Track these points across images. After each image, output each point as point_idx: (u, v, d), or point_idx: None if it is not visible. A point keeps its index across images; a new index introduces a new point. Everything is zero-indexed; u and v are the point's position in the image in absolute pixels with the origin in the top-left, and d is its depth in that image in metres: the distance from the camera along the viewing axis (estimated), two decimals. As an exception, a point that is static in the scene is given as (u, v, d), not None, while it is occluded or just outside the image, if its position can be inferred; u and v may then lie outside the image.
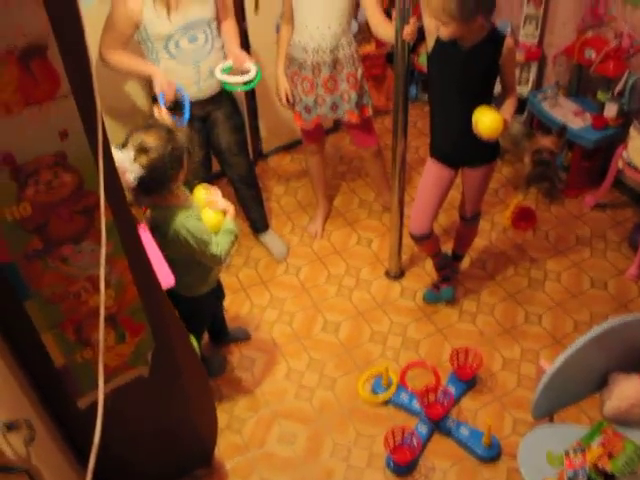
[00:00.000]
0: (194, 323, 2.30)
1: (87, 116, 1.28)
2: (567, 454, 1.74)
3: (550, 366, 1.80)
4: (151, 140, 1.98)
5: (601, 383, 1.91)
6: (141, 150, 1.97)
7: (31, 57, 1.18)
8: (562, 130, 3.36)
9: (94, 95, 1.25)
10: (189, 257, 2.17)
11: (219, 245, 2.18)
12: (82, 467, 1.85)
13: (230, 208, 2.25)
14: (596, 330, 1.80)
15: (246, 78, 2.69)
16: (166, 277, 1.84)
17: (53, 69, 1.22)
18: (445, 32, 2.27)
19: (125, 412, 1.82)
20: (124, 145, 1.99)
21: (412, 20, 2.40)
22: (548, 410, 1.91)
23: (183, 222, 2.08)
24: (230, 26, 2.82)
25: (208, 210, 2.22)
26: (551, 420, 1.96)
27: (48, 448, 1.62)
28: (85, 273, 1.54)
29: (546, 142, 3.39)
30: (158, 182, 2.02)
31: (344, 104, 2.98)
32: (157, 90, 2.60)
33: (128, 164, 1.94)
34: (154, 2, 2.52)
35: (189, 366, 1.98)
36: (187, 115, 2.61)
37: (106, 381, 1.74)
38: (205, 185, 2.29)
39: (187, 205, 2.15)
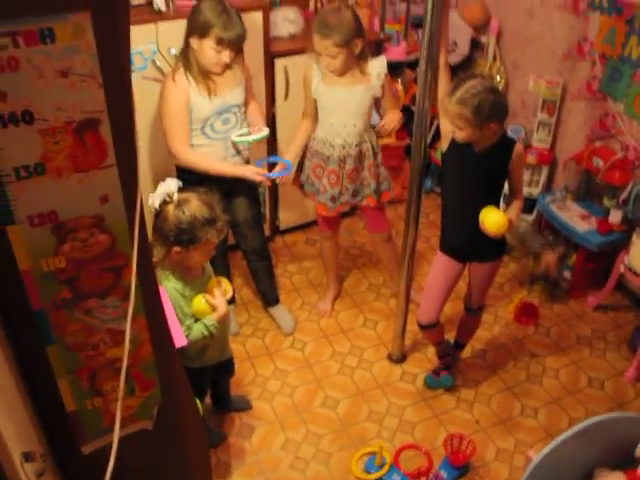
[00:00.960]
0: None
1: (127, 185, 1.43)
2: None
3: (536, 455, 1.87)
4: (194, 202, 2.14)
5: (587, 478, 1.97)
6: (181, 202, 2.13)
7: (85, 129, 1.34)
8: (566, 254, 3.59)
9: (136, 167, 1.40)
10: None
11: (190, 330, 2.23)
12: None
13: (221, 309, 2.26)
14: (582, 424, 1.88)
15: (256, 135, 2.93)
16: (179, 338, 1.95)
17: (103, 141, 1.38)
18: (460, 135, 2.43)
19: (124, 462, 1.90)
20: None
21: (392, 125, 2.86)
22: (532, 499, 1.96)
23: (166, 287, 2.17)
24: (255, 107, 3.05)
25: (203, 296, 2.25)
26: (535, 510, 2.01)
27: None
28: (106, 326, 1.66)
29: (549, 259, 3.56)
30: (170, 237, 2.14)
31: (364, 190, 3.14)
32: (257, 182, 2.94)
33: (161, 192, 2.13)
34: (198, 87, 2.74)
35: (191, 426, 2.06)
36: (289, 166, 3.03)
37: (111, 430, 1.83)
38: (220, 279, 2.37)
39: (185, 278, 2.24)
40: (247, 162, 3.03)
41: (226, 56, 2.68)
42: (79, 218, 1.44)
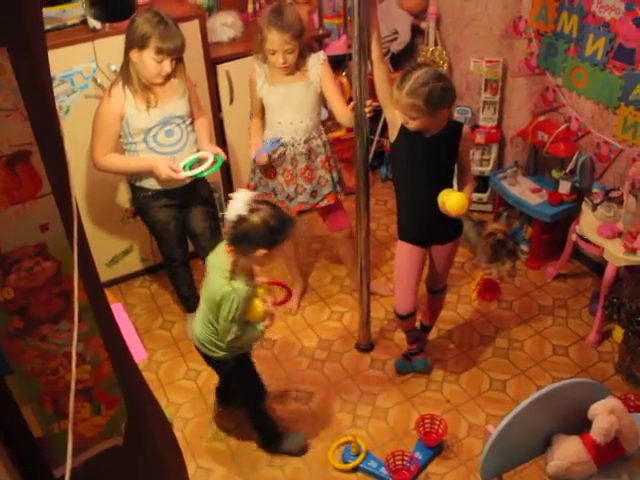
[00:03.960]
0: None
1: (65, 210, 1.46)
2: (512, 511, 1.87)
3: (494, 429, 1.94)
4: (264, 207, 2.28)
5: (546, 444, 2.05)
6: (252, 210, 2.25)
7: (16, 162, 1.37)
8: (509, 216, 3.67)
9: (71, 193, 1.43)
10: (210, 311, 2.39)
11: (245, 333, 2.39)
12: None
13: (274, 318, 2.46)
14: (537, 394, 1.95)
15: (203, 168, 2.87)
16: (139, 352, 1.98)
17: (36, 172, 1.40)
18: (413, 125, 2.48)
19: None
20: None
21: (368, 102, 2.68)
22: (496, 471, 2.03)
23: (238, 290, 2.29)
24: (202, 123, 3.06)
25: (261, 302, 2.41)
26: (500, 480, 2.08)
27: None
28: (62, 350, 1.68)
29: (497, 226, 3.65)
30: (242, 241, 2.27)
31: (323, 189, 3.18)
32: (164, 177, 2.80)
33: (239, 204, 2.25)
34: (135, 98, 2.76)
35: (161, 435, 2.10)
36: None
37: (81, 450, 1.86)
38: (267, 287, 2.53)
39: (248, 282, 2.35)
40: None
41: (167, 65, 2.71)
42: (22, 248, 1.46)
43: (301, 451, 2.80)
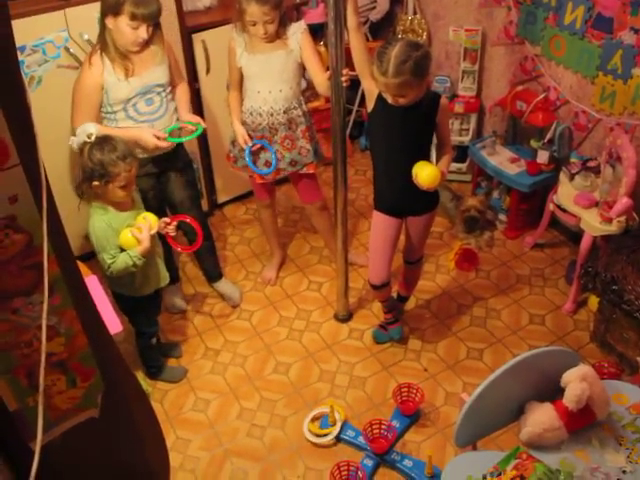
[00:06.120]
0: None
1: (34, 181, 1.44)
2: (484, 478, 1.90)
3: (469, 397, 1.97)
4: (109, 141, 2.48)
5: (519, 412, 2.08)
6: (99, 142, 2.47)
7: (-18, 134, 1.34)
8: (489, 191, 3.68)
9: (40, 164, 1.41)
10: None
11: (115, 260, 2.51)
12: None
13: (145, 243, 2.51)
14: (510, 362, 1.97)
15: (187, 135, 2.91)
16: (114, 324, 1.98)
17: (3, 143, 1.38)
18: (403, 101, 2.46)
19: (78, 452, 1.94)
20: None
21: (345, 71, 2.66)
22: (471, 438, 2.06)
23: (95, 219, 2.50)
24: (182, 91, 3.02)
25: (129, 230, 2.51)
26: (474, 448, 2.11)
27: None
28: (36, 323, 1.67)
29: (473, 201, 3.67)
30: (89, 172, 2.46)
31: (303, 158, 3.16)
32: (151, 147, 2.79)
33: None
34: (113, 67, 2.71)
35: (138, 405, 2.10)
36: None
37: (57, 423, 1.86)
38: (147, 215, 2.58)
39: (115, 211, 2.53)
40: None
41: (143, 32, 2.66)
42: (-9, 221, 1.45)
43: (179, 380, 3.05)
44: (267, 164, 3.12)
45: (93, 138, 2.50)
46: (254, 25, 2.83)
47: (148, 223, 2.53)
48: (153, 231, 2.55)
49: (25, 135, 1.41)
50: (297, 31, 2.95)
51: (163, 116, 2.87)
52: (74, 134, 2.77)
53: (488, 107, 4.03)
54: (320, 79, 2.97)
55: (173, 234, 2.73)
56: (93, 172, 2.45)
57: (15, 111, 1.37)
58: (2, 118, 1.35)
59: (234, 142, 3.17)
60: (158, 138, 2.78)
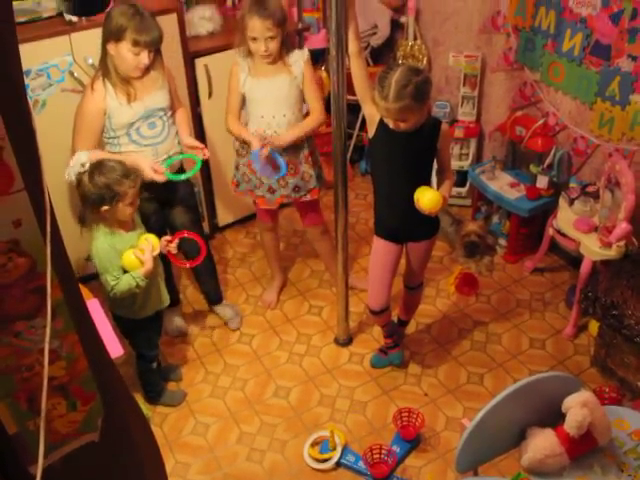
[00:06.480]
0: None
1: (39, 206, 1.45)
2: (487, 503, 1.90)
3: (470, 423, 1.96)
4: (106, 164, 2.52)
5: (520, 437, 2.07)
6: (95, 168, 2.50)
7: (-12, 158, 1.35)
8: (489, 215, 3.70)
9: (44, 188, 1.42)
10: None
11: (118, 281, 2.53)
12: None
13: (148, 264, 2.53)
14: (511, 387, 1.97)
15: (189, 172, 2.91)
16: (115, 347, 1.98)
17: (8, 168, 1.39)
18: (404, 126, 2.48)
19: (77, 476, 1.93)
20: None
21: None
22: (471, 464, 2.05)
23: (99, 241, 2.52)
24: (182, 115, 3.04)
25: (132, 251, 2.53)
26: (475, 474, 2.10)
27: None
28: (37, 346, 1.67)
29: (473, 226, 3.69)
30: (95, 199, 2.48)
31: (307, 184, 3.18)
32: (147, 178, 2.75)
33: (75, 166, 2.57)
34: (115, 92, 2.74)
35: (138, 429, 2.09)
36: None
37: (57, 447, 1.85)
38: (149, 236, 2.60)
39: (118, 232, 2.55)
40: (179, 170, 3.01)
41: (145, 58, 2.69)
42: (-6, 244, 1.45)
43: (178, 404, 3.05)
44: (276, 169, 3.06)
45: (87, 166, 2.54)
46: (255, 41, 2.85)
47: (150, 244, 2.56)
48: (155, 252, 2.57)
49: (30, 160, 1.42)
50: (300, 59, 2.99)
51: (166, 139, 2.89)
52: None
53: (488, 132, 4.06)
54: (314, 107, 3.03)
55: (174, 252, 2.75)
56: (102, 197, 2.46)
57: (20, 135, 1.38)
58: (8, 143, 1.36)
59: (238, 166, 3.19)
60: (156, 171, 2.79)
